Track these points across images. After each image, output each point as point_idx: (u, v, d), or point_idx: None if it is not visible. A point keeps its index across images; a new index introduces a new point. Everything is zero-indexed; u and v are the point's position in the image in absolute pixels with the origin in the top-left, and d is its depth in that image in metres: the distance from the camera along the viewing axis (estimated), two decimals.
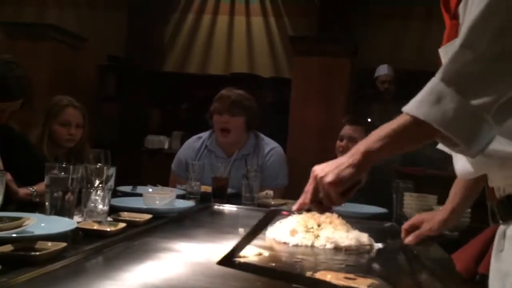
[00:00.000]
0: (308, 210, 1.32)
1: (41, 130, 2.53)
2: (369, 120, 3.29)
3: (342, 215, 1.68)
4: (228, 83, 3.17)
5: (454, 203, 1.42)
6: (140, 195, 1.93)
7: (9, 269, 0.97)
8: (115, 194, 1.91)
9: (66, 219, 1.39)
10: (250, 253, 1.31)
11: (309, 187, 1.09)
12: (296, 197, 1.16)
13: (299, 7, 5.46)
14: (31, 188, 1.91)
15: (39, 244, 1.11)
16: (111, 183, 1.58)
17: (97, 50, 5.32)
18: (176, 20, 5.69)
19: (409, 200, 1.99)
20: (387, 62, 4.76)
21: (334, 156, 1.18)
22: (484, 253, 1.14)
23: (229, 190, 2.37)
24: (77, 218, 1.51)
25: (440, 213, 1.47)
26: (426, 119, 0.86)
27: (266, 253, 1.36)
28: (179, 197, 2.07)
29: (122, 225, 1.43)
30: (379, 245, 1.52)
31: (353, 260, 1.40)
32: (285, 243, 1.53)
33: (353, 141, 2.62)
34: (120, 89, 5.48)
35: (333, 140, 2.81)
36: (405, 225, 1.56)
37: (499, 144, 0.89)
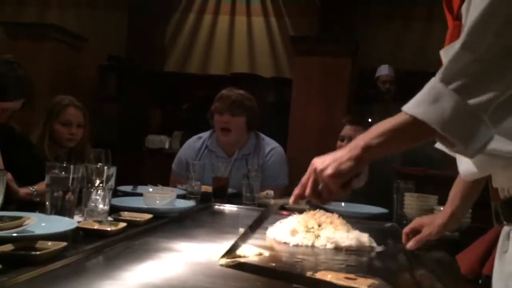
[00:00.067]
0: (309, 202, 1.32)
1: (42, 130, 2.53)
2: (369, 120, 3.29)
3: (342, 215, 1.68)
4: (228, 83, 3.17)
5: (454, 206, 1.41)
6: (140, 194, 1.93)
7: (9, 269, 0.98)
8: (115, 193, 1.92)
9: (66, 219, 1.39)
10: (251, 253, 1.32)
11: (306, 180, 1.09)
12: None
13: (300, 7, 5.46)
14: (31, 188, 1.91)
15: (40, 244, 1.11)
16: (112, 182, 1.58)
17: (98, 50, 5.33)
18: (177, 20, 5.69)
19: (410, 200, 1.99)
20: (388, 62, 4.76)
21: None
22: (488, 254, 1.13)
23: (230, 190, 2.37)
24: (77, 218, 1.51)
25: (440, 216, 1.46)
26: (423, 118, 0.87)
27: (266, 253, 1.36)
28: (180, 197, 2.07)
29: (122, 224, 1.43)
30: (379, 248, 1.51)
31: (353, 260, 1.40)
32: (285, 243, 1.53)
33: None
34: (121, 89, 5.48)
35: (334, 140, 2.81)
36: (406, 229, 1.56)
37: (503, 145, 0.89)
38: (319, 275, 1.15)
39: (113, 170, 1.58)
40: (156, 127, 5.47)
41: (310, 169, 1.08)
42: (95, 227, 1.39)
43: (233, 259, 1.24)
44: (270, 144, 2.91)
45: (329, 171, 1.02)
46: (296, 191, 1.12)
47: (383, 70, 4.70)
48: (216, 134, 2.85)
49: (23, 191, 1.89)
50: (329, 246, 1.49)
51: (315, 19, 5.26)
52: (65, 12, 5.77)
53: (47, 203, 1.48)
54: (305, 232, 1.54)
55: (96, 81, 5.53)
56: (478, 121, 0.85)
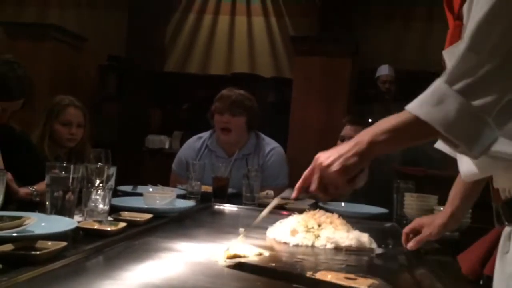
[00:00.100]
0: (314, 197, 1.31)
1: (42, 130, 2.53)
2: (370, 120, 3.29)
3: (342, 215, 1.68)
4: (229, 83, 3.17)
5: (454, 206, 1.41)
6: (140, 194, 1.93)
7: (9, 268, 0.98)
8: (115, 193, 1.91)
9: (66, 219, 1.39)
10: (251, 253, 1.31)
11: (308, 174, 1.08)
12: None
13: (300, 7, 5.45)
14: (31, 188, 1.92)
15: (40, 244, 1.11)
16: (112, 182, 1.58)
17: (98, 50, 5.33)
18: (177, 20, 5.69)
19: (410, 200, 1.98)
20: (388, 62, 4.75)
21: None
22: (490, 254, 1.13)
23: (230, 190, 2.37)
24: (77, 218, 1.51)
25: (440, 217, 1.46)
26: (426, 119, 0.87)
27: (266, 253, 1.36)
28: (180, 196, 2.07)
29: (122, 224, 1.43)
30: (379, 250, 1.51)
31: (353, 260, 1.40)
32: (285, 243, 1.52)
33: None
34: (121, 89, 5.48)
35: (334, 140, 2.81)
36: (406, 229, 1.56)
37: (505, 146, 0.89)
38: (319, 275, 1.15)
39: (113, 170, 1.58)
40: (156, 127, 5.47)
41: (314, 164, 1.06)
42: (95, 227, 1.39)
43: (233, 259, 1.24)
44: (270, 144, 2.91)
45: (335, 167, 1.00)
46: (299, 184, 1.12)
47: (383, 70, 4.70)
48: (216, 134, 2.85)
49: (23, 191, 1.89)
50: (329, 246, 1.49)
51: (315, 19, 5.25)
52: (65, 12, 5.77)
53: (47, 203, 1.48)
54: (305, 232, 1.54)
55: (96, 81, 5.53)
56: (482, 123, 0.84)
